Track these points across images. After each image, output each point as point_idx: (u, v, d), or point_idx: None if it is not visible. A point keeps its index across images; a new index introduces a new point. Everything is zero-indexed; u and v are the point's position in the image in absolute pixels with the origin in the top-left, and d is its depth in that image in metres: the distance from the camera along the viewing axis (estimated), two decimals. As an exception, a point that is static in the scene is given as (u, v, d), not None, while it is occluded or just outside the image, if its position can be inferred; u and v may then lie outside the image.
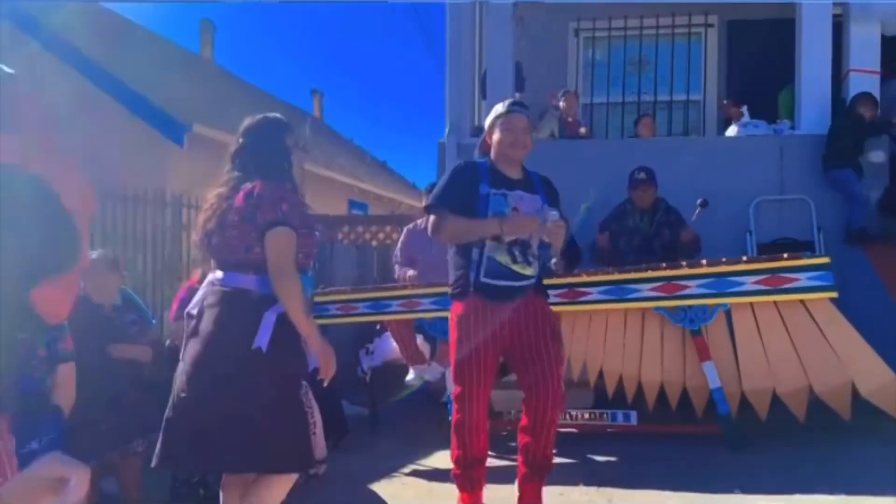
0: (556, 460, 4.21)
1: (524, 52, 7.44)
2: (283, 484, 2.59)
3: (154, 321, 4.49)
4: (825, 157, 5.96)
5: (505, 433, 4.39)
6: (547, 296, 3.33)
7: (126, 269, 4.13)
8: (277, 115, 2.80)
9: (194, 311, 2.62)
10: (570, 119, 6.89)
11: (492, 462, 3.36)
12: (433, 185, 5.58)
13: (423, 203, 5.50)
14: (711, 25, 7.88)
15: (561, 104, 6.89)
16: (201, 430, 2.48)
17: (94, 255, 3.82)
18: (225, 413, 2.46)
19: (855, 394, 4.12)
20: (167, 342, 3.92)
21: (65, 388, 3.17)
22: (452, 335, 3.18)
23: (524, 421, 3.18)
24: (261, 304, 2.52)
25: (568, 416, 4.44)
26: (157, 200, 6.26)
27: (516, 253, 3.08)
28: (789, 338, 4.18)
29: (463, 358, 3.11)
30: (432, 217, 3.21)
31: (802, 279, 4.15)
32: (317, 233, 2.72)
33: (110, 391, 3.50)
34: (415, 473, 4.18)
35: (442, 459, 4.38)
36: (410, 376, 4.90)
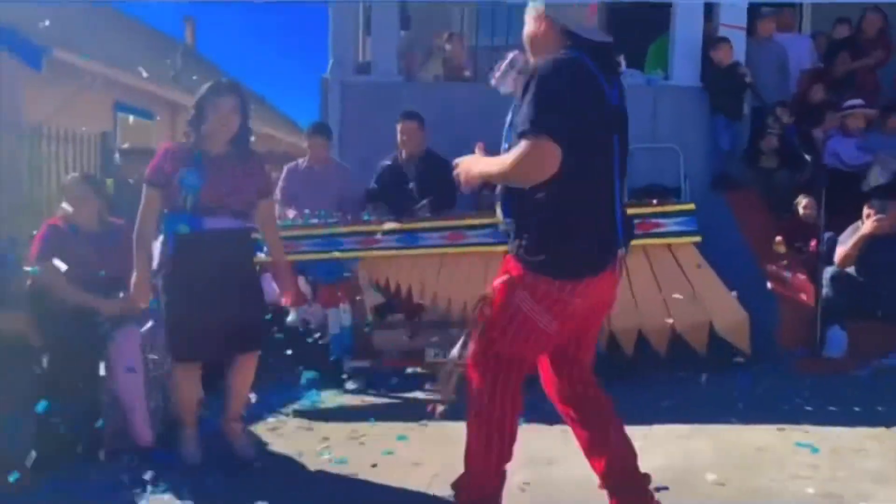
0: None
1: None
2: None
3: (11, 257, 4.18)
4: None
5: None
6: (517, 257, 2.40)
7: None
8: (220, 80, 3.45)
9: None
10: (456, 63, 6.85)
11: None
12: (316, 125, 5.46)
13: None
14: (592, -24, 7.97)
15: (447, 47, 6.84)
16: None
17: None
18: None
19: (711, 331, 4.44)
20: (28, 282, 3.66)
21: None
22: None
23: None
24: None
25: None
26: (11, 129, 5.77)
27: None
28: (655, 280, 4.43)
29: None
30: None
31: (669, 224, 4.39)
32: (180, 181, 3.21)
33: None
34: (297, 414, 4.18)
35: (323, 398, 4.42)
36: (291, 318, 4.84)
